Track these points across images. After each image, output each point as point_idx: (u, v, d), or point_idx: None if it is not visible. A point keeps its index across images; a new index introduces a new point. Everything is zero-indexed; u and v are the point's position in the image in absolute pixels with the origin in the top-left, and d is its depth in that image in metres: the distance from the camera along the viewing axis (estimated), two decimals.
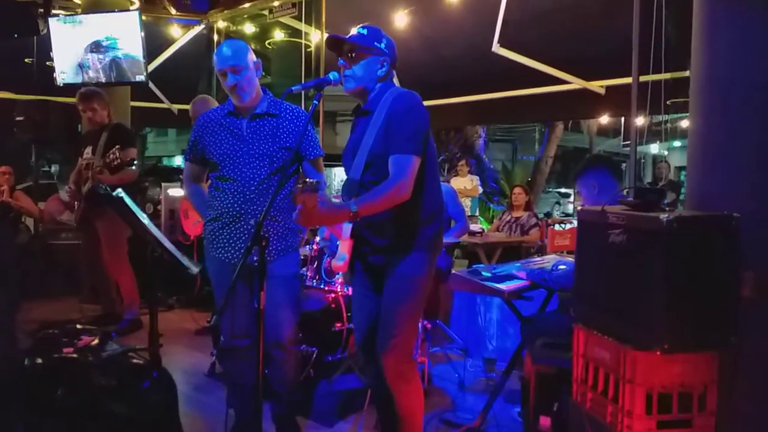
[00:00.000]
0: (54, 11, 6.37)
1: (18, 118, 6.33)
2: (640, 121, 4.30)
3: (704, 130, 2.52)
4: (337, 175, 12.05)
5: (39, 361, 2.74)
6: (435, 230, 2.56)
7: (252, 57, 2.88)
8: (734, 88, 2.38)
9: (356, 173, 2.50)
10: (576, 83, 6.39)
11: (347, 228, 2.53)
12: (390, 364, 2.49)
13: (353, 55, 2.50)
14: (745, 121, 2.36)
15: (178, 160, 24.71)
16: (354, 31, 2.55)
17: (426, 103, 2.55)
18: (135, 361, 2.83)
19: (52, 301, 6.00)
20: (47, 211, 7.17)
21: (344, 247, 2.53)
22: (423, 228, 2.50)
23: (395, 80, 2.62)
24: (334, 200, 2.35)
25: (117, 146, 4.48)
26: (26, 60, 6.96)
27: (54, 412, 2.59)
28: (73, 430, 2.60)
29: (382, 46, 2.53)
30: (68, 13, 6.53)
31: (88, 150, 5.03)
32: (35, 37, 6.46)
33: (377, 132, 2.45)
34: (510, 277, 3.20)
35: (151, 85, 6.88)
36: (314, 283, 4.14)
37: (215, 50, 2.89)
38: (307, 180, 2.12)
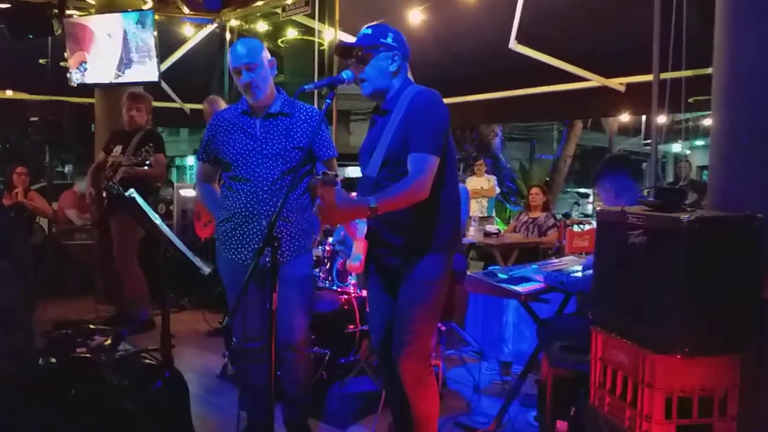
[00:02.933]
0: (68, 12, 6.39)
1: (32, 119, 6.37)
2: (661, 119, 4.23)
3: (727, 129, 2.47)
4: (350, 174, 12.04)
5: (53, 360, 2.75)
6: (451, 230, 2.52)
7: (266, 55, 2.87)
8: (759, 85, 2.32)
9: (373, 170, 2.47)
10: (595, 81, 6.31)
11: (362, 228, 2.50)
12: (406, 367, 2.47)
13: (362, 56, 2.48)
14: None
15: (191, 160, 24.84)
16: (359, 32, 2.54)
17: None
18: (147, 361, 2.84)
19: (66, 300, 6.03)
20: (61, 206, 7.23)
21: (359, 248, 2.51)
22: (439, 228, 2.46)
23: (408, 74, 2.60)
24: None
25: (150, 145, 4.70)
26: (40, 60, 7.00)
27: (67, 411, 2.60)
28: (86, 429, 2.61)
29: (389, 40, 2.49)
30: (82, 13, 6.55)
31: (118, 148, 5.12)
32: (49, 38, 6.50)
33: (396, 130, 2.43)
34: (527, 279, 3.15)
35: (163, 84, 6.90)
36: (327, 285, 4.11)
37: (230, 48, 2.88)
38: (328, 172, 2.10)
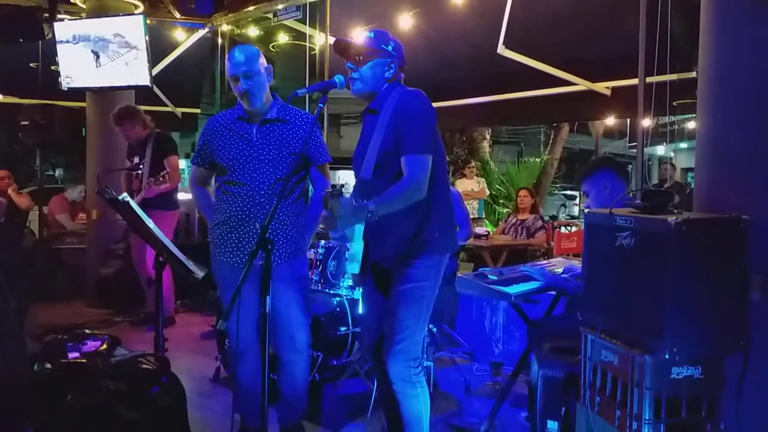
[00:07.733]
0: (59, 16, 6.37)
1: (23, 123, 6.35)
2: (646, 122, 4.27)
3: (712, 131, 2.51)
4: (342, 178, 12.04)
5: (48, 366, 2.74)
6: (444, 232, 2.55)
7: (263, 62, 2.90)
8: (743, 89, 2.37)
9: (367, 173, 2.51)
10: (582, 84, 6.37)
11: (360, 230, 2.54)
12: (395, 368, 2.49)
13: (360, 58, 2.52)
14: (753, 121, 2.34)
15: (182, 164, 24.65)
16: (362, 34, 2.57)
17: None
18: (144, 366, 2.83)
19: (56, 305, 6.00)
20: (51, 210, 7.18)
21: (357, 249, 2.56)
22: (431, 231, 2.50)
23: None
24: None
25: (165, 172, 4.83)
26: (31, 64, 6.97)
27: (64, 417, 2.58)
28: None
29: (390, 48, 2.54)
30: (73, 17, 6.53)
31: (135, 159, 5.33)
32: (40, 42, 6.48)
33: (384, 131, 2.47)
34: (528, 278, 3.16)
35: (155, 88, 6.89)
36: (319, 287, 4.13)
37: (228, 56, 2.90)
38: (336, 184, 2.20)
